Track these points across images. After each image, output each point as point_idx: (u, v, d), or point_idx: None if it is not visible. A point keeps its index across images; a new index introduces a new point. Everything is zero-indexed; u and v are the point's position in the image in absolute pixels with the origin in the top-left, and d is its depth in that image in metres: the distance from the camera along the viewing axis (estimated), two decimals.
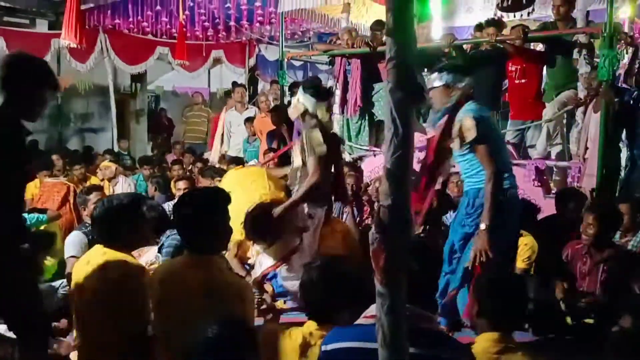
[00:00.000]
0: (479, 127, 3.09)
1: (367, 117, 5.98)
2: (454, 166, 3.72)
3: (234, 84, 11.53)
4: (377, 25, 5.92)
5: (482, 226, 3.04)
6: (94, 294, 2.48)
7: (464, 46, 5.86)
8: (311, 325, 2.19)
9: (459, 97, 3.23)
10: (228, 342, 1.81)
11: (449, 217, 4.86)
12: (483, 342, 2.08)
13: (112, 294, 2.43)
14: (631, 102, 4.63)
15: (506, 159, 3.34)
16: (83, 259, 2.68)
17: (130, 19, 8.76)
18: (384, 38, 5.07)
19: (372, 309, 1.78)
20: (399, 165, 1.20)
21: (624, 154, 4.90)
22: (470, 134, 3.09)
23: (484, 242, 3.03)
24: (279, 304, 4.33)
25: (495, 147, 3.20)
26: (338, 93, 6.12)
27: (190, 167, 7.47)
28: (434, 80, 3.31)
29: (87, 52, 8.70)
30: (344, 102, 6.03)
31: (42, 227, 4.75)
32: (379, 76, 5.74)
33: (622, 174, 4.84)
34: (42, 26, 9.48)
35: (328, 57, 6.57)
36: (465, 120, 3.13)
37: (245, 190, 3.69)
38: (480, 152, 3.13)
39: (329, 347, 1.80)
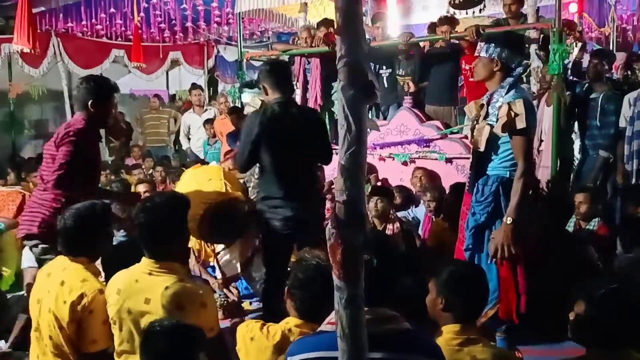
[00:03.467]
0: (529, 117, 2.85)
1: (327, 116, 6.02)
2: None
3: (194, 85, 11.41)
4: (322, 24, 5.97)
5: (508, 220, 2.87)
6: (49, 311, 2.43)
7: (421, 44, 5.96)
8: (291, 322, 2.18)
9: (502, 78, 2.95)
10: (174, 343, 1.81)
11: (410, 212, 4.95)
12: (444, 334, 2.09)
13: (67, 316, 2.39)
14: (582, 94, 4.79)
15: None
16: (43, 271, 2.63)
17: (84, 22, 8.60)
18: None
19: (334, 315, 1.79)
20: (353, 161, 1.22)
21: (576, 146, 5.07)
22: (520, 122, 2.83)
23: (507, 236, 2.85)
24: (245, 305, 4.33)
25: (532, 140, 3.01)
26: (298, 92, 6.13)
27: (150, 172, 7.37)
28: (481, 49, 3.06)
29: (40, 56, 8.46)
30: (304, 100, 6.06)
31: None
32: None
33: (575, 164, 5.01)
34: None
35: (287, 57, 6.57)
36: (517, 105, 2.85)
37: (201, 188, 3.67)
38: (519, 144, 2.89)
39: (296, 358, 1.76)
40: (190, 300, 2.22)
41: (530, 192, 3.03)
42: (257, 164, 3.78)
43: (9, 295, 3.92)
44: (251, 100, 3.82)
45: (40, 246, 3.21)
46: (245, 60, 6.50)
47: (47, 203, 3.22)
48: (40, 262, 3.16)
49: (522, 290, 3.03)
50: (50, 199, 3.21)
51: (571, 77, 5.22)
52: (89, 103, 3.25)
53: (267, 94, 3.41)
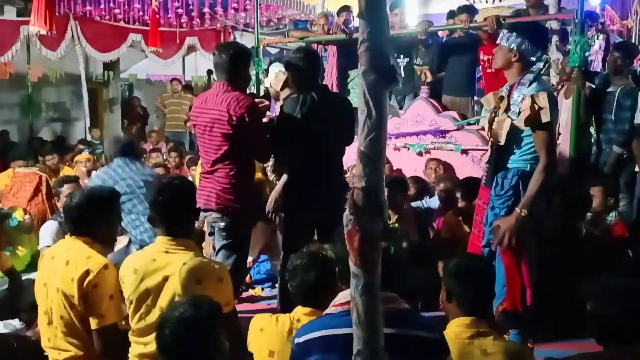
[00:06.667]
0: (552, 110, 2.80)
1: None
2: None
3: (209, 72, 11.39)
4: (343, 10, 5.93)
5: (523, 212, 2.84)
6: (58, 291, 2.45)
7: (439, 33, 5.89)
8: (299, 311, 2.21)
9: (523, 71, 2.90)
10: (199, 321, 1.82)
11: (424, 203, 4.92)
12: (455, 327, 2.09)
13: (76, 292, 2.41)
14: (600, 87, 4.71)
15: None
16: (48, 252, 2.65)
17: (102, 6, 8.62)
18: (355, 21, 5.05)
19: (340, 298, 1.83)
20: (373, 147, 1.20)
21: (594, 139, 4.99)
22: (545, 116, 2.78)
23: (513, 226, 2.85)
24: (257, 291, 4.36)
25: (554, 134, 2.94)
26: None
27: (165, 157, 7.40)
28: (502, 37, 3.00)
29: (58, 39, 8.50)
30: None
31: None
32: (355, 63, 5.71)
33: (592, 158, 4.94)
34: (10, 13, 9.24)
35: (304, 44, 6.53)
36: (540, 98, 2.79)
37: None
38: (542, 138, 2.83)
39: (302, 339, 1.83)
40: (208, 274, 2.27)
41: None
42: None
43: (24, 277, 3.98)
44: (270, 72, 3.86)
45: (214, 215, 3.34)
46: (261, 47, 6.47)
47: (222, 179, 3.28)
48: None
49: (527, 283, 3.00)
50: (223, 175, 3.28)
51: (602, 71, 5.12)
52: (235, 71, 3.27)
53: (299, 80, 3.43)
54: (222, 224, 3.31)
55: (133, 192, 3.58)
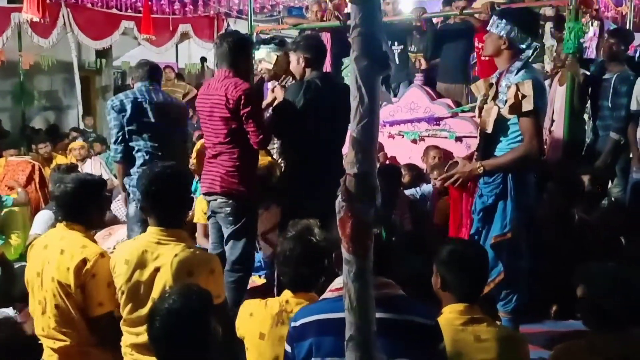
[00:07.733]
0: (537, 98, 2.78)
1: None
2: None
3: (203, 59, 11.32)
4: None
5: (478, 167, 2.92)
6: (53, 280, 2.44)
7: (434, 20, 5.86)
8: (287, 294, 2.22)
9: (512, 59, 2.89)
10: (189, 311, 1.82)
11: (419, 190, 4.92)
12: (448, 314, 2.10)
13: (72, 282, 2.40)
14: (596, 73, 4.71)
15: None
16: (39, 242, 2.63)
17: None
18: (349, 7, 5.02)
19: (336, 283, 1.84)
20: (365, 133, 1.20)
21: (588, 126, 5.00)
22: (527, 104, 2.76)
23: (466, 172, 2.95)
24: (255, 278, 4.36)
25: (540, 122, 2.90)
26: None
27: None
28: (491, 24, 2.99)
29: (50, 27, 8.42)
30: None
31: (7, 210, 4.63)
32: (349, 50, 5.69)
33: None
34: (0, 0, 9.15)
35: (298, 31, 6.49)
36: (525, 86, 2.78)
37: None
38: (526, 125, 2.82)
39: (298, 323, 1.84)
40: (200, 266, 2.26)
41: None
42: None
43: (17, 265, 3.97)
44: (266, 55, 3.82)
45: (219, 200, 3.35)
46: (255, 34, 6.43)
47: (226, 163, 3.32)
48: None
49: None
50: (227, 158, 3.31)
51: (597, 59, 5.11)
52: (235, 59, 3.31)
53: (305, 66, 3.44)
54: (228, 209, 3.31)
55: (142, 130, 3.67)
